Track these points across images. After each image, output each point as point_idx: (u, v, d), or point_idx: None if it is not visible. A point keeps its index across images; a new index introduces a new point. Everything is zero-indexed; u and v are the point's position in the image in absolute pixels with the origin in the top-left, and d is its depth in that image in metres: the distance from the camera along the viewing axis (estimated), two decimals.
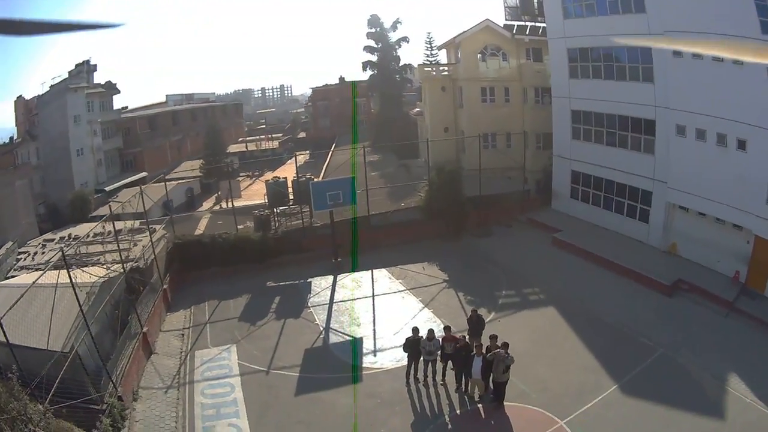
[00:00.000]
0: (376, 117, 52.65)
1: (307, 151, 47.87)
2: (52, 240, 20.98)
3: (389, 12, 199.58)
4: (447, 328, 13.61)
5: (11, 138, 36.40)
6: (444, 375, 13.44)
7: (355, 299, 19.29)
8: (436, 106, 33.17)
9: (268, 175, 34.49)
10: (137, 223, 21.43)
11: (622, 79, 21.42)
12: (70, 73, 38.23)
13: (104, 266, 15.98)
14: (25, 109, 40.08)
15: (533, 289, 19.01)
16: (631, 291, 17.99)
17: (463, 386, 13.05)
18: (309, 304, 19.04)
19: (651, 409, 11.74)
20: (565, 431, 11.38)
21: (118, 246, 16.73)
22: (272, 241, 22.59)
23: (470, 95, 30.61)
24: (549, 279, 19.46)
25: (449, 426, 12.08)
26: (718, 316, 15.98)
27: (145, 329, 15.58)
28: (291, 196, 25.87)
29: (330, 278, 21.21)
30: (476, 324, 14.34)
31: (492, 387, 12.37)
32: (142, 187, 21.35)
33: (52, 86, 36.19)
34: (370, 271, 21.57)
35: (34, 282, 11.16)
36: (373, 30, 46.93)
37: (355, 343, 16.04)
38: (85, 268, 14.89)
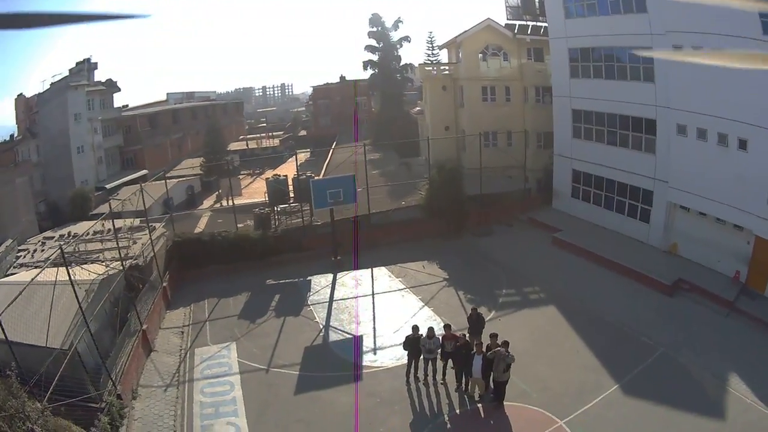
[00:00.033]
0: (376, 116, 52.60)
1: (308, 150, 47.83)
2: (52, 237, 20.97)
3: (390, 11, 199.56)
4: (447, 327, 13.59)
5: (12, 135, 36.35)
6: (444, 374, 13.41)
7: (355, 297, 19.27)
8: (437, 105, 33.12)
9: (269, 173, 34.44)
10: (137, 221, 21.42)
11: (623, 78, 21.38)
12: (70, 71, 38.19)
13: (104, 263, 15.96)
14: (25, 106, 40.06)
15: (533, 288, 18.98)
16: (632, 290, 17.96)
17: (463, 385, 13.02)
18: (309, 302, 19.03)
19: (651, 409, 11.71)
20: (565, 431, 11.35)
21: (118, 244, 16.71)
22: (272, 239, 22.57)
23: (471, 94, 30.55)
24: (549, 278, 19.44)
25: (449, 425, 12.05)
26: (718, 315, 15.95)
27: (144, 327, 15.57)
28: (291, 194, 25.85)
29: (330, 276, 21.18)
30: (476, 323, 14.32)
31: (492, 386, 12.35)
32: (143, 184, 21.28)
33: (52, 84, 36.14)
34: (370, 269, 21.55)
35: (32, 279, 11.14)
36: (375, 29, 46.83)
37: (355, 341, 16.03)
38: (84, 266, 14.86)
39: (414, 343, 13.16)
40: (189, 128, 54.27)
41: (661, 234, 20.38)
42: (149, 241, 18.64)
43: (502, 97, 30.33)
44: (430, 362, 13.28)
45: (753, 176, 15.69)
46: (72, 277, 12.06)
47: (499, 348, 11.98)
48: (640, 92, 20.29)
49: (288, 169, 32.65)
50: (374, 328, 16.94)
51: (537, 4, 29.83)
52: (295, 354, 15.46)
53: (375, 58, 47.54)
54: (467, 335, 13.58)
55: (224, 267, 21.71)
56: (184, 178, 36.85)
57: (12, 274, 16.41)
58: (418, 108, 44.23)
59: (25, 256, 18.65)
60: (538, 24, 29.68)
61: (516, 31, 29.93)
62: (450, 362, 13.23)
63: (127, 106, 49.41)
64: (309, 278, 21.13)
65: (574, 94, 23.96)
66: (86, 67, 39.85)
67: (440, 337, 13.21)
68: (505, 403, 12.26)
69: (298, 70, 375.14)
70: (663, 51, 18.34)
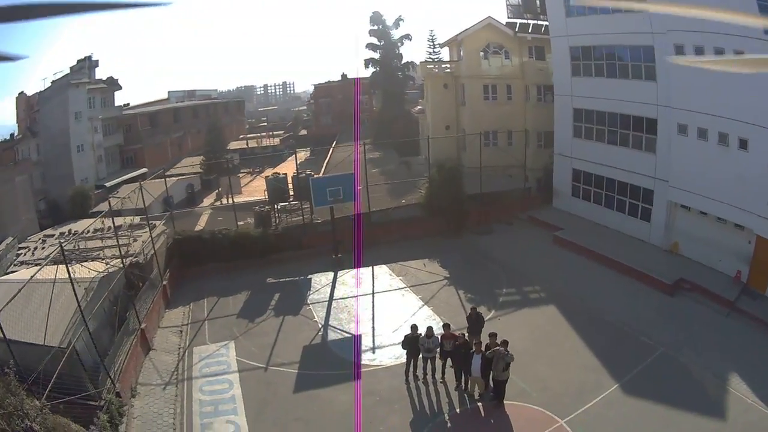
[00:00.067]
0: (377, 114, 52.54)
1: (308, 148, 47.80)
2: (52, 235, 20.98)
3: (392, 10, 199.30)
4: (446, 326, 13.58)
5: (12, 134, 36.38)
6: (443, 373, 13.38)
7: (354, 296, 19.24)
8: (438, 103, 33.05)
9: (269, 172, 34.42)
10: (137, 219, 21.40)
11: (624, 77, 21.31)
12: (71, 68, 38.21)
13: (103, 261, 15.95)
14: (26, 105, 40.04)
15: (534, 287, 18.94)
16: (633, 290, 17.91)
17: (462, 384, 12.99)
18: (308, 301, 19.00)
19: (652, 409, 11.67)
20: (566, 430, 11.31)
21: (117, 241, 16.70)
22: (272, 238, 22.55)
23: (472, 93, 30.49)
24: (550, 277, 19.40)
25: (448, 424, 12.02)
26: (719, 315, 15.90)
27: (143, 325, 15.55)
28: (291, 193, 25.83)
29: (330, 275, 21.16)
30: (475, 322, 14.29)
31: (492, 385, 12.32)
32: (142, 183, 21.27)
33: (53, 82, 36.14)
34: (370, 267, 21.53)
35: (31, 277, 11.13)
36: (376, 27, 46.72)
37: (354, 340, 16.00)
38: (84, 264, 14.86)
39: (412, 342, 13.14)
40: (190, 127, 54.26)
41: (662, 233, 20.33)
42: (149, 238, 18.63)
43: (504, 95, 30.26)
44: (429, 361, 13.26)
45: (754, 176, 15.63)
46: (72, 275, 12.04)
47: (498, 347, 11.95)
48: (642, 91, 20.23)
49: (288, 168, 32.60)
50: (373, 327, 16.90)
51: (538, 2, 29.74)
52: (294, 352, 15.44)
53: (376, 56, 47.44)
54: (466, 335, 13.55)
55: (224, 265, 21.69)
56: (184, 176, 36.86)
57: (12, 271, 16.42)
58: (419, 107, 44.17)
59: (25, 254, 18.67)
60: (539, 22, 29.62)
61: (517, 29, 29.84)
62: (449, 361, 13.21)
63: (128, 104, 49.45)
64: (309, 276, 21.11)
65: (576, 93, 23.90)
66: (87, 64, 39.85)
67: (439, 336, 13.19)
68: (505, 402, 12.22)
69: (300, 70, 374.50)
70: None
